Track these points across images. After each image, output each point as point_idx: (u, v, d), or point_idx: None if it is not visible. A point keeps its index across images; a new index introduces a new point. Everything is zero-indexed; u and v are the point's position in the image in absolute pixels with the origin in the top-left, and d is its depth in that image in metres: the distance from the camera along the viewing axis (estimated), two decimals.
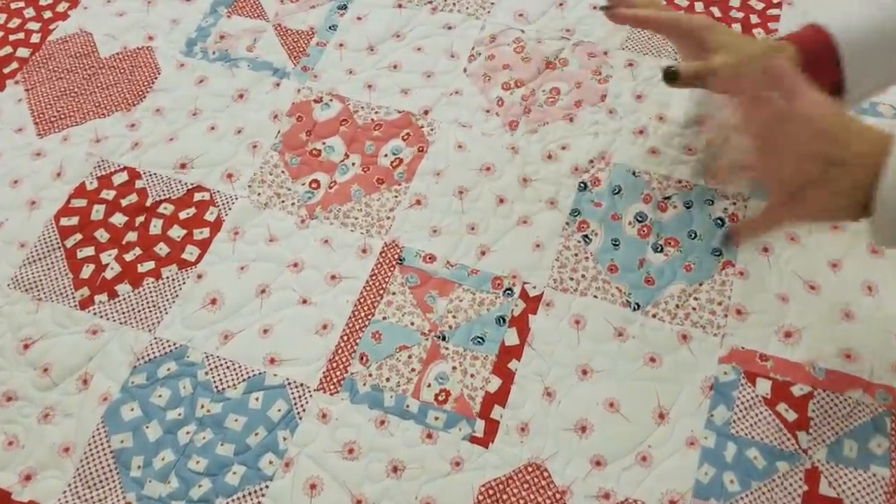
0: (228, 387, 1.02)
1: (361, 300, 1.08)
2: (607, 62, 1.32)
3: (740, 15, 1.37)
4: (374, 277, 1.10)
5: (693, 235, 1.13)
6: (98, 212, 1.17)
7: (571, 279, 1.10)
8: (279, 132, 1.25)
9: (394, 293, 1.09)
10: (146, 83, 1.32)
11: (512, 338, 1.04)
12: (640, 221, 1.15)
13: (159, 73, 1.33)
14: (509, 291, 1.09)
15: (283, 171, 1.21)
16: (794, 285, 1.08)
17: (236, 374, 1.03)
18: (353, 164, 1.22)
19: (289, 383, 1.02)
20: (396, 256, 1.12)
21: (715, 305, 1.06)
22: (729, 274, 1.09)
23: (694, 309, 1.06)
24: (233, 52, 1.36)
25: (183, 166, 1.22)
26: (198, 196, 1.19)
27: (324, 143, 1.24)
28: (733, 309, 1.06)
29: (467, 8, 1.39)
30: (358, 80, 1.31)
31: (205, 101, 1.29)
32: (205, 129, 1.26)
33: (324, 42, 1.36)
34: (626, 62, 1.32)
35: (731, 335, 1.04)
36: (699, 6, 1.39)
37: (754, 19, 1.36)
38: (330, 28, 1.38)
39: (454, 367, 1.02)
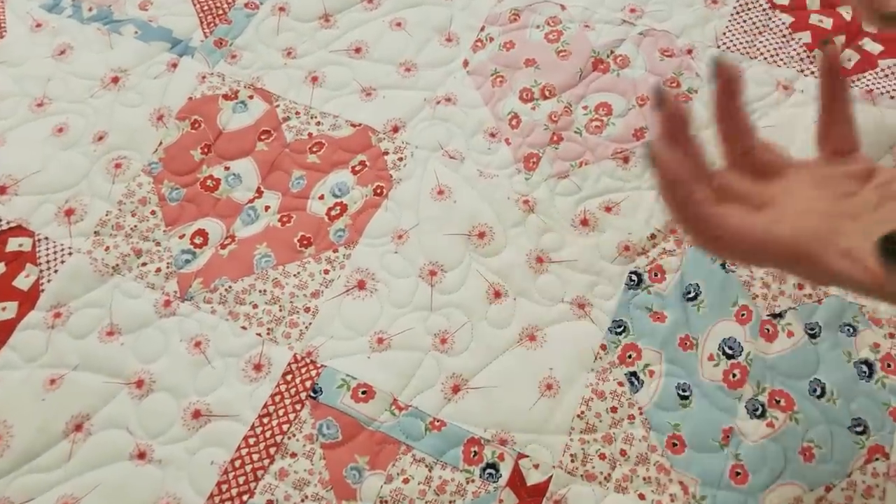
0: None
1: (237, 464, 0.63)
2: (692, 66, 0.83)
3: None
4: (265, 420, 0.65)
5: (819, 391, 0.66)
6: None
7: (602, 457, 0.63)
8: (161, 144, 0.79)
9: (294, 454, 0.64)
10: None
11: None
12: (728, 356, 0.67)
13: (3, 36, 0.87)
14: (491, 471, 0.63)
15: (153, 212, 0.75)
16: None
17: None
18: (268, 208, 0.76)
19: None
20: (309, 384, 0.66)
21: None
22: (879, 471, 0.62)
23: None
24: (117, 11, 0.89)
25: (2, 190, 0.77)
26: (13, 244, 0.74)
27: (227, 169, 0.78)
28: None
29: None
30: (298, 68, 0.84)
31: (59, 86, 0.84)
32: (49, 130, 0.81)
33: (255, 3, 0.89)
34: None
35: None
36: None
37: None
38: None
39: None
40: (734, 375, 0.67)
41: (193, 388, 0.67)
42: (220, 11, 0.88)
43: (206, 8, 0.88)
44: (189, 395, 0.67)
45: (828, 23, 0.86)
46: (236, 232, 0.74)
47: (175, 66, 0.84)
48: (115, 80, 0.84)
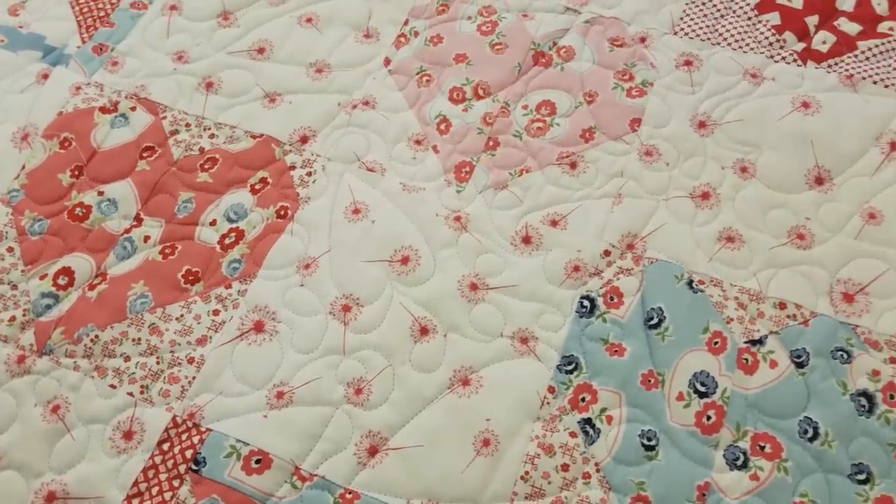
0: None
1: None
2: (646, 57, 0.72)
3: None
4: (135, 501, 0.52)
5: (811, 432, 0.54)
6: None
7: None
8: (23, 169, 0.67)
9: None
10: None
11: None
12: (701, 394, 0.56)
13: None
14: None
15: (10, 249, 0.63)
16: None
17: None
18: (148, 238, 0.63)
19: None
20: (190, 454, 0.54)
21: None
22: None
23: None
24: None
25: None
26: None
27: (101, 195, 0.66)
28: None
29: None
30: (190, 74, 0.73)
31: None
32: None
33: (143, 2, 0.77)
34: (680, 58, 0.72)
35: None
36: None
37: None
38: None
39: None
40: (709, 418, 0.55)
41: (48, 464, 0.54)
42: (102, 13, 0.76)
43: (85, 10, 0.76)
44: (42, 473, 0.54)
45: (798, 2, 0.76)
46: (108, 269, 0.62)
47: (46, 77, 0.72)
48: None
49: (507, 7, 0.76)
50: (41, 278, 0.61)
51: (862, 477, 0.53)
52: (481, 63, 0.73)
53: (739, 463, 0.54)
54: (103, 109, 0.70)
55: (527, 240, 0.63)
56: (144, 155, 0.67)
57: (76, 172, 0.66)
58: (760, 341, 0.58)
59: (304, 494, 0.53)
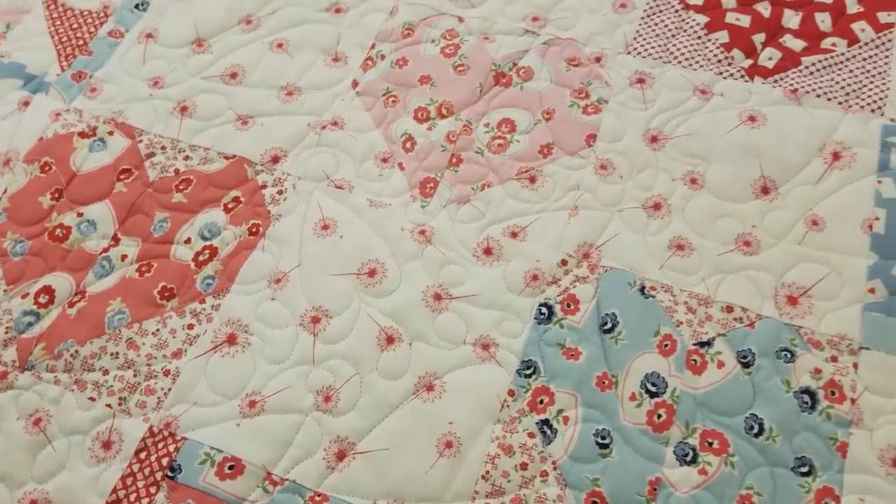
0: None
1: None
2: (601, 76, 0.76)
3: None
4: None
5: (756, 428, 0.57)
6: None
7: None
8: (5, 192, 0.70)
9: None
10: None
11: None
12: (652, 394, 0.59)
13: None
14: None
15: None
16: None
17: None
18: (125, 257, 0.66)
19: None
20: (167, 461, 0.56)
21: None
22: None
23: None
24: None
25: None
26: None
27: (80, 216, 0.68)
28: None
29: None
30: (166, 98, 0.76)
31: None
32: None
33: (120, 31, 0.80)
34: (633, 76, 0.76)
35: None
36: None
37: None
38: (136, 7, 0.82)
39: None
40: (659, 416, 0.58)
41: (30, 474, 0.57)
42: (81, 42, 0.79)
43: (65, 39, 0.79)
44: (25, 483, 0.56)
45: (745, 20, 0.80)
46: (87, 287, 0.64)
47: (27, 104, 0.75)
48: None
49: (469, 30, 0.80)
50: (23, 297, 0.64)
51: (805, 469, 0.56)
52: (445, 84, 0.76)
53: (689, 458, 0.57)
54: (82, 134, 0.73)
55: (488, 251, 0.66)
56: (122, 177, 0.70)
57: (56, 195, 0.69)
58: (708, 343, 0.61)
59: (276, 498, 0.55)
